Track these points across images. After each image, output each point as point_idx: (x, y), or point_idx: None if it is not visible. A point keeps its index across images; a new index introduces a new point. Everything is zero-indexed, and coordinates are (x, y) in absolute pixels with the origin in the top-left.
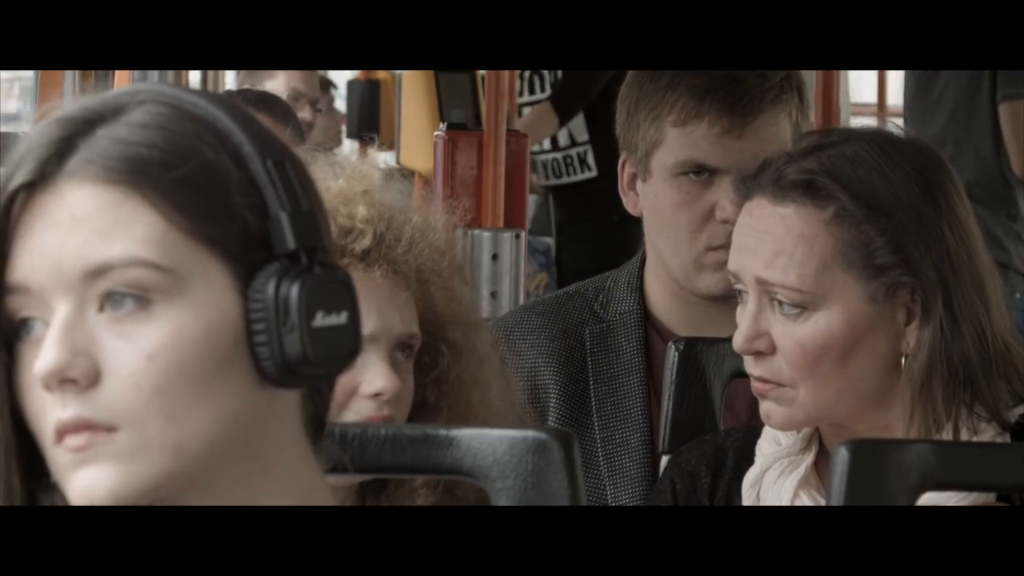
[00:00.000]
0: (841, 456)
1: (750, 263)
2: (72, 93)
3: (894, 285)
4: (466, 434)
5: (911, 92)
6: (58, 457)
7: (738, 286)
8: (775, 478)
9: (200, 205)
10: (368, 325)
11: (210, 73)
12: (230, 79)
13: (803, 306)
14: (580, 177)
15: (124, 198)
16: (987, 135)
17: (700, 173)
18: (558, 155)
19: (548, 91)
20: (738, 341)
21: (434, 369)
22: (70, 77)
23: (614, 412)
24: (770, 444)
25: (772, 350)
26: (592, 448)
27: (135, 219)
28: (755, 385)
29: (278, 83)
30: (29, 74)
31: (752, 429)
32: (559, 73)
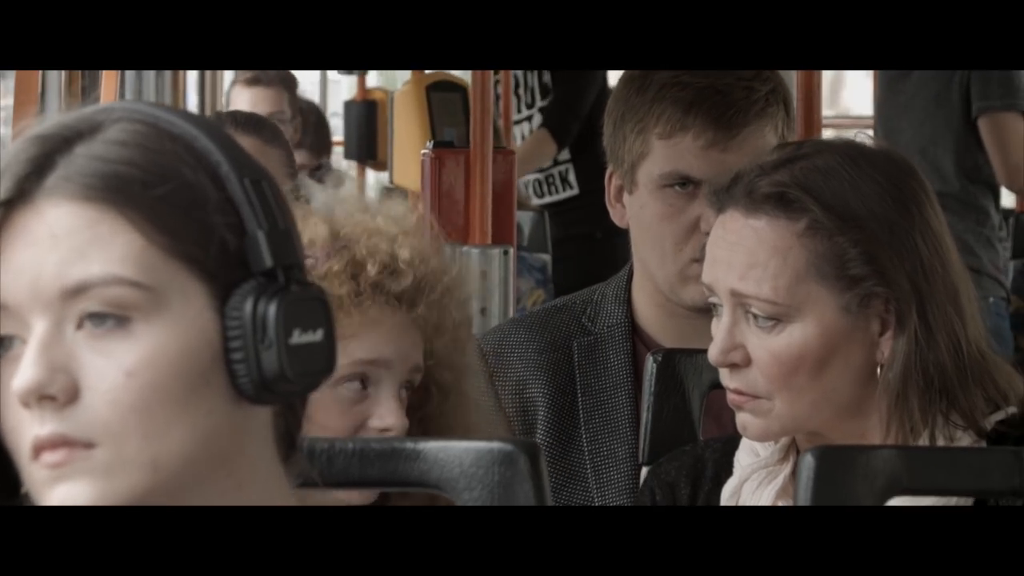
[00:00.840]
0: (807, 463)
1: (724, 276)
2: (57, 95)
3: (868, 296)
4: (432, 447)
5: (883, 92)
6: (34, 473)
7: (712, 299)
8: (753, 488)
9: (179, 224)
10: (385, 356)
11: (207, 84)
12: (228, 80)
13: (777, 318)
14: (563, 195)
15: (102, 216)
16: (952, 143)
17: (685, 185)
18: (540, 175)
19: (538, 102)
20: (713, 354)
21: (420, 409)
22: (54, 78)
23: (602, 424)
24: (748, 455)
25: (747, 362)
26: (580, 460)
27: (114, 237)
28: (731, 397)
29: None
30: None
31: (731, 440)
32: (545, 83)
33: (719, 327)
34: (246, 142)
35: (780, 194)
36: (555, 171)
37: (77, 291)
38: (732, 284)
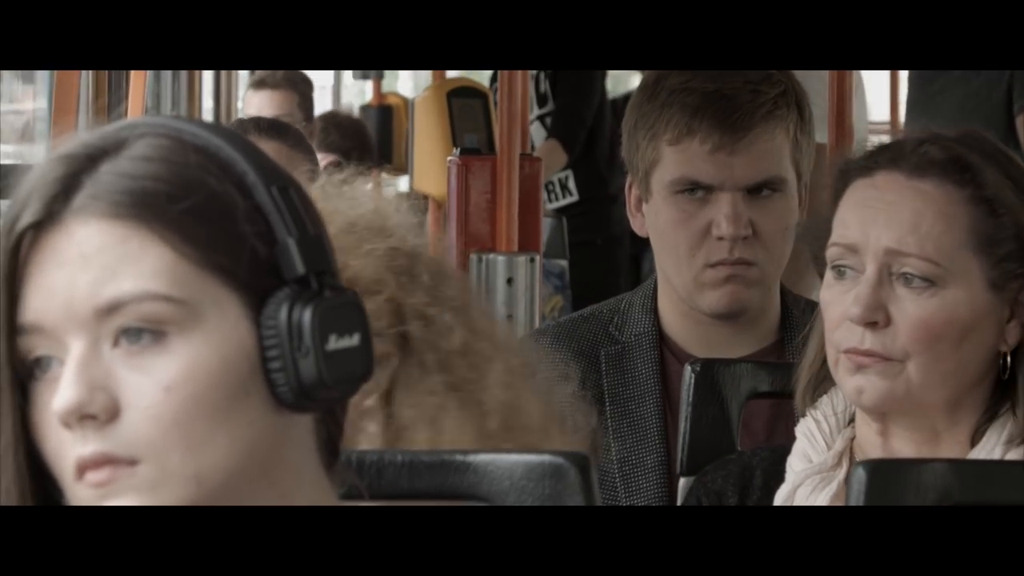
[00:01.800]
0: (858, 476)
1: (880, 233)
2: (85, 109)
3: (1011, 276)
4: (482, 459)
5: (914, 93)
6: (79, 493)
7: (842, 261)
8: (808, 493)
9: (209, 235)
10: None
11: (223, 74)
12: (244, 74)
13: (932, 280)
14: (563, 203)
15: (132, 232)
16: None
17: (695, 191)
18: None
19: (535, 111)
20: (857, 310)
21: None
22: (84, 78)
23: (630, 432)
24: (801, 461)
25: (887, 323)
26: (609, 469)
27: (144, 253)
28: (857, 359)
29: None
30: None
31: (778, 449)
32: (543, 92)
33: (862, 286)
34: (269, 147)
35: (953, 160)
36: (555, 179)
37: (111, 309)
38: (890, 242)
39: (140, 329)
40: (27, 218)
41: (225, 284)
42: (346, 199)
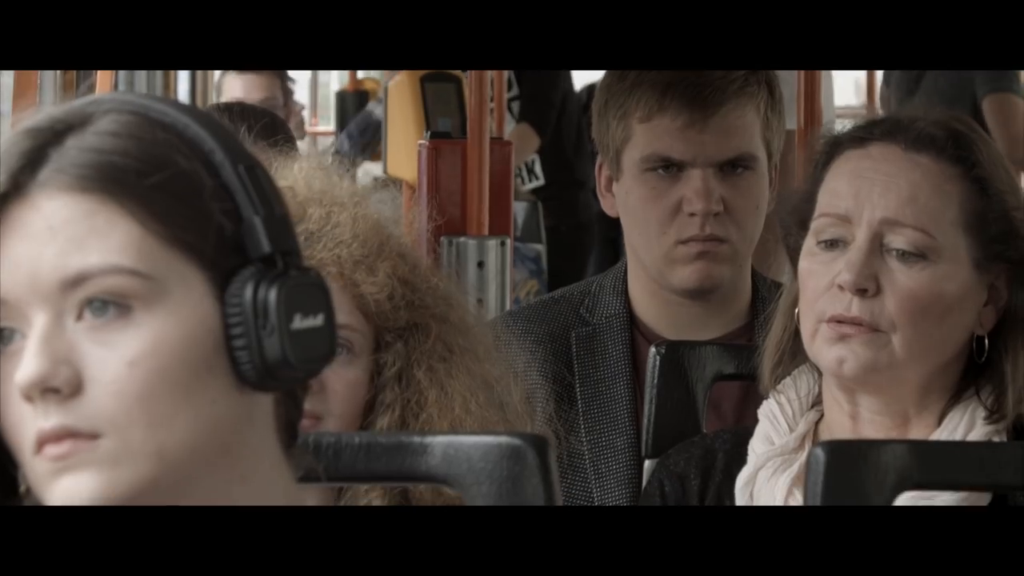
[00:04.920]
0: (817, 457)
1: (876, 202)
2: (52, 94)
3: (994, 258)
4: (440, 441)
5: (893, 94)
6: (37, 467)
7: (831, 231)
8: (768, 476)
9: (176, 211)
10: None
11: (198, 74)
12: (218, 72)
13: (924, 254)
14: (530, 186)
15: (99, 206)
16: None
17: (668, 168)
18: None
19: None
20: (849, 276)
21: (387, 368)
22: (49, 78)
23: (601, 415)
24: (763, 443)
25: (876, 292)
26: (579, 451)
27: (111, 227)
28: (841, 328)
29: (225, 98)
30: None
31: (742, 430)
32: (508, 78)
33: (852, 252)
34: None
35: (950, 136)
36: (522, 163)
37: (76, 282)
38: (886, 212)
39: (105, 302)
40: None
41: (191, 261)
42: (347, 183)
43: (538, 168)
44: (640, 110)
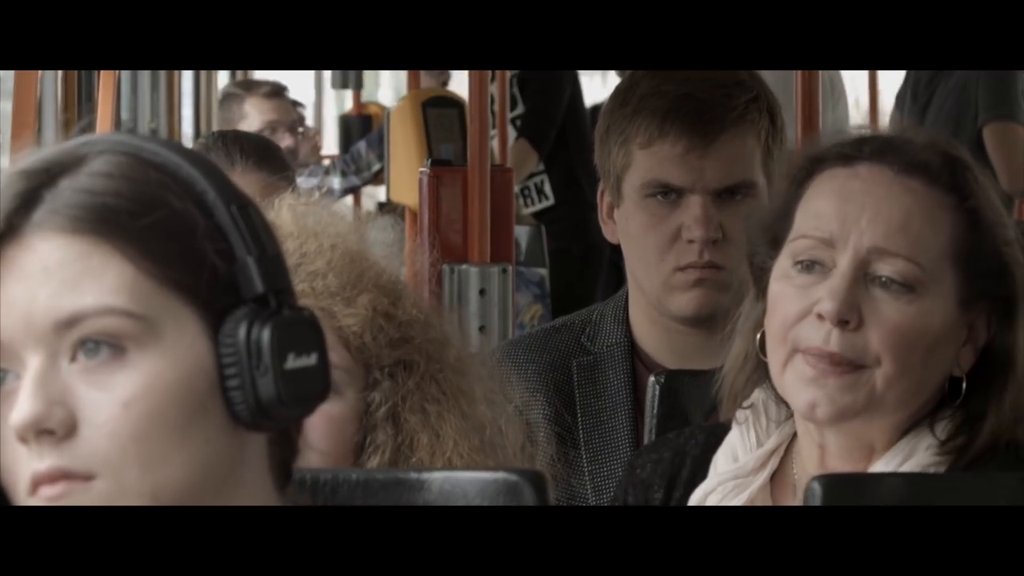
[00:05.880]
0: (814, 491)
1: (864, 228)
2: (53, 94)
3: (980, 296)
4: (437, 477)
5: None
6: None
7: (811, 254)
8: (718, 500)
9: (170, 252)
10: None
11: (202, 86)
12: (223, 79)
13: (912, 286)
14: (539, 206)
15: (93, 248)
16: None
17: (668, 195)
18: (517, 186)
19: (508, 114)
20: (831, 306)
21: (376, 407)
22: (50, 77)
23: (602, 444)
24: (726, 460)
25: (859, 325)
26: (580, 480)
27: (105, 268)
28: (819, 365)
29: (252, 120)
30: None
31: (718, 430)
32: (513, 94)
33: (835, 280)
34: (257, 177)
35: (944, 163)
36: (531, 182)
37: (70, 323)
38: (875, 240)
39: (98, 343)
40: None
41: (184, 301)
42: (325, 215)
43: (547, 188)
44: (641, 136)
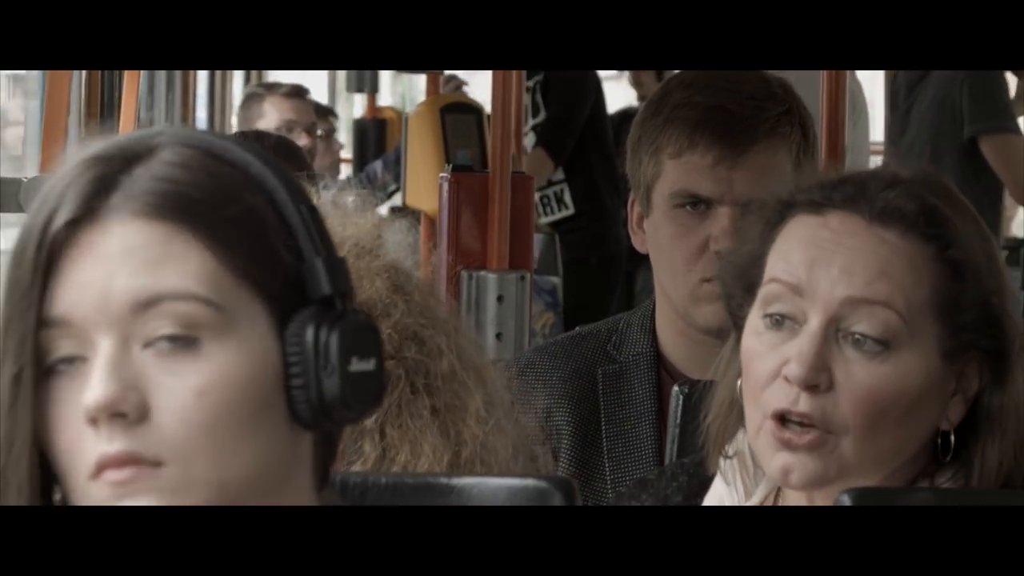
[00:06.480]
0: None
1: (836, 278)
2: (78, 95)
3: (966, 348)
4: (467, 482)
5: (892, 121)
6: (93, 492)
7: (780, 306)
8: None
9: (248, 247)
10: None
11: (217, 84)
12: (238, 80)
13: (887, 343)
14: (558, 216)
15: (175, 235)
16: (956, 173)
17: (696, 205)
18: (537, 195)
19: (530, 121)
20: (799, 370)
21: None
22: (76, 77)
23: (626, 453)
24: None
25: (829, 387)
26: (603, 489)
27: (187, 255)
28: (784, 434)
29: (270, 118)
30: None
31: (699, 471)
32: (537, 101)
33: (803, 339)
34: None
35: (921, 210)
36: (550, 191)
37: (149, 304)
38: (849, 290)
39: (175, 336)
40: (64, 215)
41: (256, 296)
42: (338, 216)
43: (567, 197)
44: (671, 146)
